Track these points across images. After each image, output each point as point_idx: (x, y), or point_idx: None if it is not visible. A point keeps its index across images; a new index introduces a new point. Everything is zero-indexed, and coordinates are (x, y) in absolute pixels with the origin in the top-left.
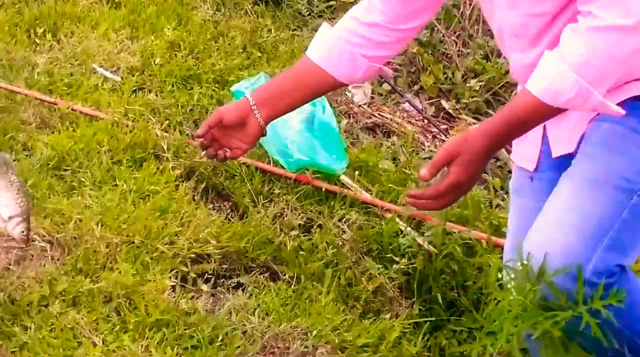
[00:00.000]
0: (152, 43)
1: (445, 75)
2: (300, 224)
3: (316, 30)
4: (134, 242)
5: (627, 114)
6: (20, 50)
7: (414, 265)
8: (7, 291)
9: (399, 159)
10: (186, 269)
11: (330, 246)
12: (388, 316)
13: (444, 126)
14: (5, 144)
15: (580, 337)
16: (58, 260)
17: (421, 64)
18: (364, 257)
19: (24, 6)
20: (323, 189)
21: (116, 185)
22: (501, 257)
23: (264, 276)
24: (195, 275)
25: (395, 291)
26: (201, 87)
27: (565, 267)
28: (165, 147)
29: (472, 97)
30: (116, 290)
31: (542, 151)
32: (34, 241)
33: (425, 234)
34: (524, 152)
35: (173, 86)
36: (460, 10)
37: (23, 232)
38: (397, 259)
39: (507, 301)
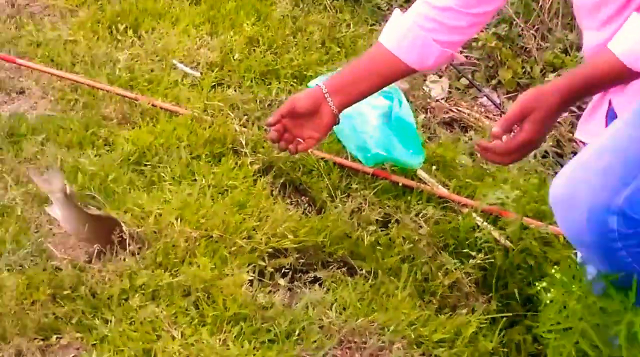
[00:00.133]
0: (231, 39)
1: (524, 70)
2: (377, 219)
3: None
4: (212, 236)
5: None
6: (102, 47)
7: (491, 260)
8: (88, 284)
9: (476, 154)
10: (264, 264)
11: (407, 241)
12: (464, 311)
13: None
14: (87, 139)
15: None
16: (138, 254)
17: (499, 58)
18: (440, 252)
19: (106, 3)
20: (400, 184)
21: (195, 180)
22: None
23: (341, 271)
24: (272, 269)
25: (471, 286)
26: (279, 83)
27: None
28: (243, 142)
29: None
30: (195, 284)
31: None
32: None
33: (502, 229)
34: (591, 129)
35: (251, 81)
36: (540, 4)
37: None
38: (473, 254)
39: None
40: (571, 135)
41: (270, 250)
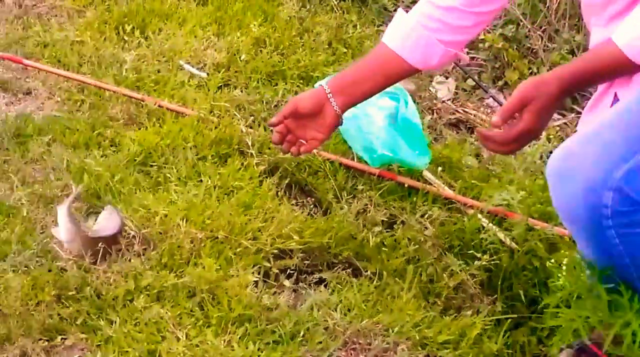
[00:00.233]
0: (237, 39)
1: (531, 71)
2: (383, 220)
3: None
4: (217, 237)
5: None
6: (109, 48)
7: (496, 261)
8: (93, 285)
9: (482, 155)
10: (269, 265)
11: (412, 242)
12: (469, 312)
13: None
14: (94, 140)
15: None
16: (143, 255)
17: (506, 59)
18: (445, 254)
19: (113, 4)
20: (406, 185)
21: (201, 181)
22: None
23: (346, 272)
24: (277, 270)
25: (476, 288)
26: (286, 84)
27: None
28: (249, 143)
29: None
30: (200, 285)
31: None
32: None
33: (507, 230)
34: (594, 121)
35: (258, 82)
36: (547, 5)
37: None
38: (478, 255)
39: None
40: None
41: (276, 251)
